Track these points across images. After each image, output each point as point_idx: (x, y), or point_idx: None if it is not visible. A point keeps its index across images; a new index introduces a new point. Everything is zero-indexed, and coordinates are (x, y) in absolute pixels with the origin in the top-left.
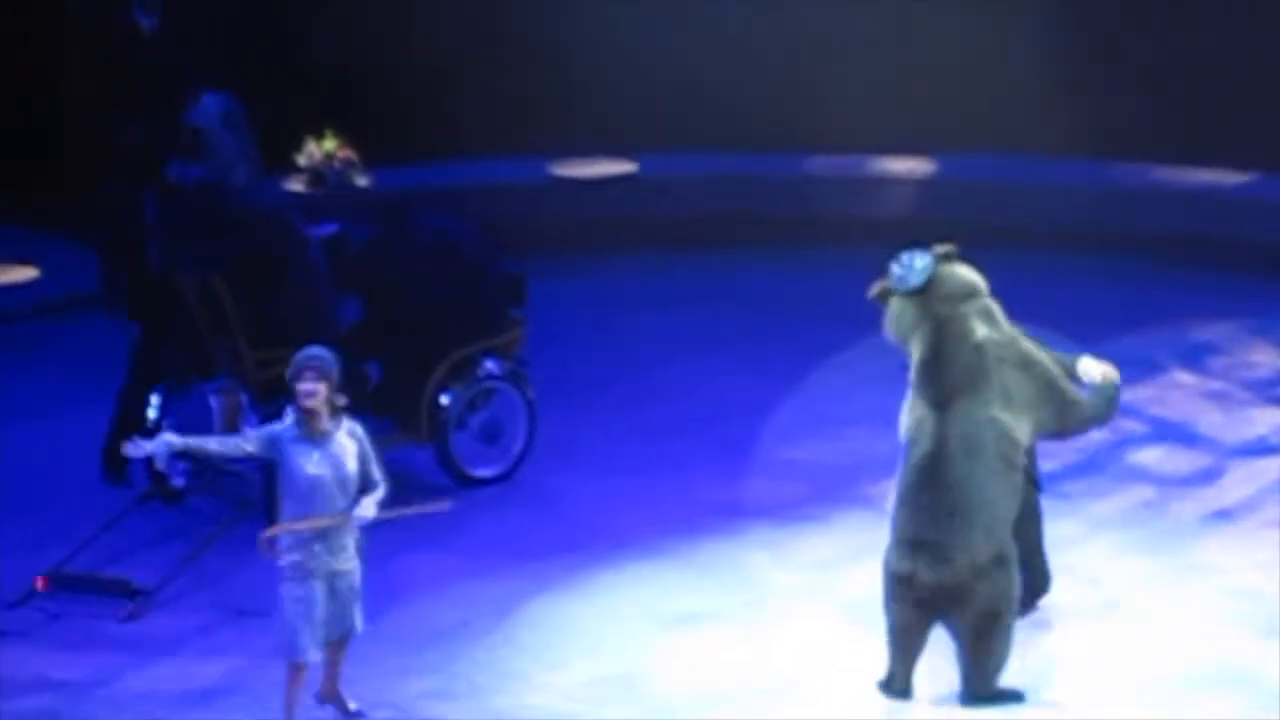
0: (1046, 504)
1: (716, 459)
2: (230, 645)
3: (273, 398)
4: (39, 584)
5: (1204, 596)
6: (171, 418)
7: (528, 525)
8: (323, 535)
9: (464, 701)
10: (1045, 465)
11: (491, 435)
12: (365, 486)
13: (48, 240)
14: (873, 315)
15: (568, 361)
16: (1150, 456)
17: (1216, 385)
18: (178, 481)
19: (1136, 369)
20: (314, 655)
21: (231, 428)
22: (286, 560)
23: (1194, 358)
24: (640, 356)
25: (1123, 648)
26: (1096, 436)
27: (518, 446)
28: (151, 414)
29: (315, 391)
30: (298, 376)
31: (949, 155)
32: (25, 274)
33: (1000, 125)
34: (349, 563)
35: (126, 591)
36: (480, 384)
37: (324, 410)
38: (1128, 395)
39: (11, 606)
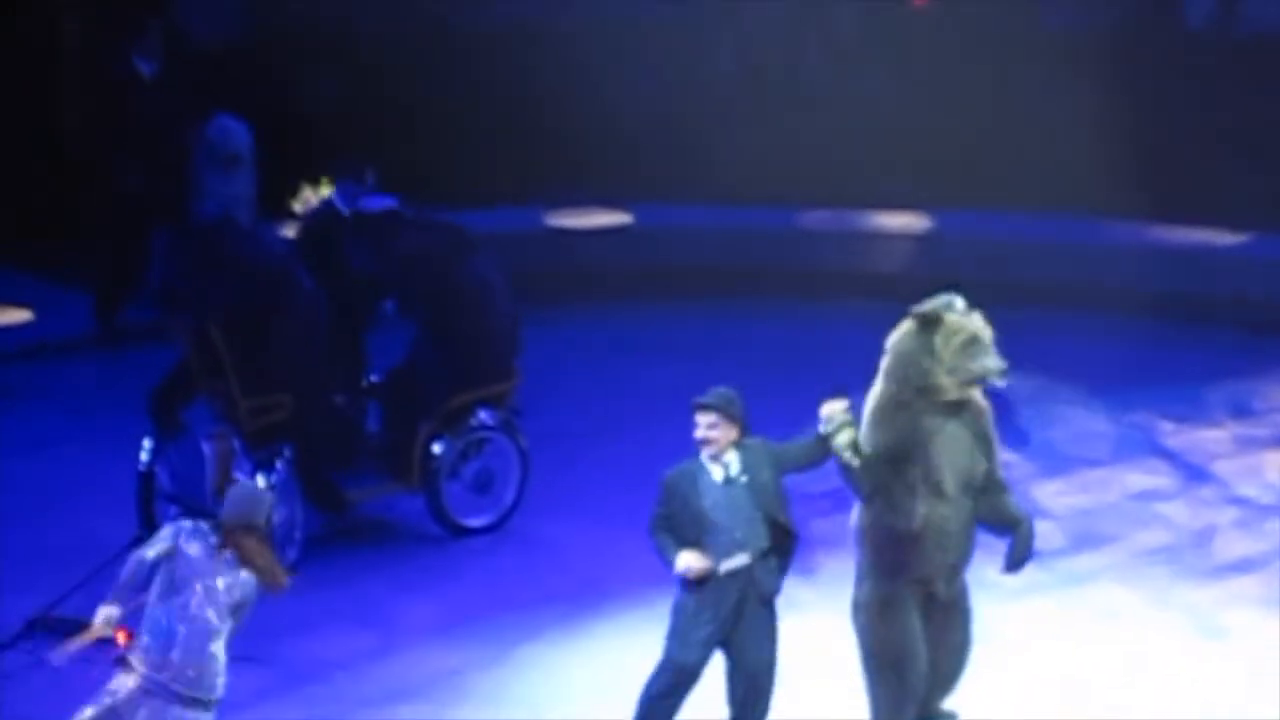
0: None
1: None
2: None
3: (265, 444)
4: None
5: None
6: (164, 462)
7: (520, 574)
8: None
9: None
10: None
11: (484, 485)
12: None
13: (42, 283)
14: (868, 369)
15: (561, 411)
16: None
17: (1222, 435)
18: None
19: (1133, 425)
20: None
21: (225, 472)
22: None
23: (1197, 411)
24: (634, 407)
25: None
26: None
27: (510, 496)
28: (144, 458)
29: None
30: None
31: (945, 211)
32: (19, 316)
33: (997, 183)
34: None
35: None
36: (473, 433)
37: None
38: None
39: (1, 648)
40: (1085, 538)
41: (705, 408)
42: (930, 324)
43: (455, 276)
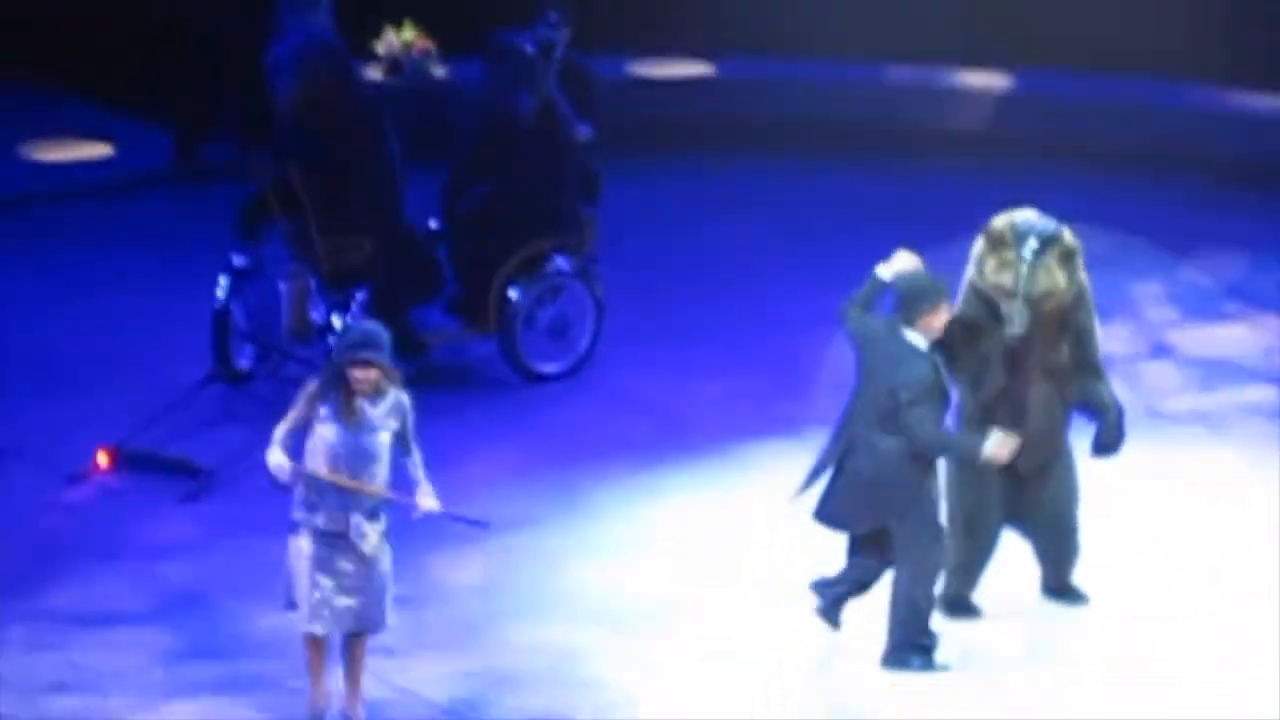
0: None
1: (787, 365)
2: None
3: (341, 284)
4: (101, 458)
5: None
6: (239, 301)
7: (592, 421)
8: (343, 504)
9: (521, 594)
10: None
11: (558, 332)
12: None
13: (122, 118)
14: (943, 225)
15: (638, 262)
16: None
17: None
18: (243, 363)
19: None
20: (319, 628)
21: (301, 313)
22: (297, 514)
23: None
24: (712, 259)
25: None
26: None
27: (584, 344)
28: (220, 295)
29: (366, 379)
30: (351, 362)
31: (1026, 70)
32: (100, 151)
33: (1079, 43)
34: (371, 549)
35: (188, 471)
36: (549, 280)
37: (369, 393)
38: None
39: (73, 480)
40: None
41: None
42: (994, 243)
43: (528, 126)
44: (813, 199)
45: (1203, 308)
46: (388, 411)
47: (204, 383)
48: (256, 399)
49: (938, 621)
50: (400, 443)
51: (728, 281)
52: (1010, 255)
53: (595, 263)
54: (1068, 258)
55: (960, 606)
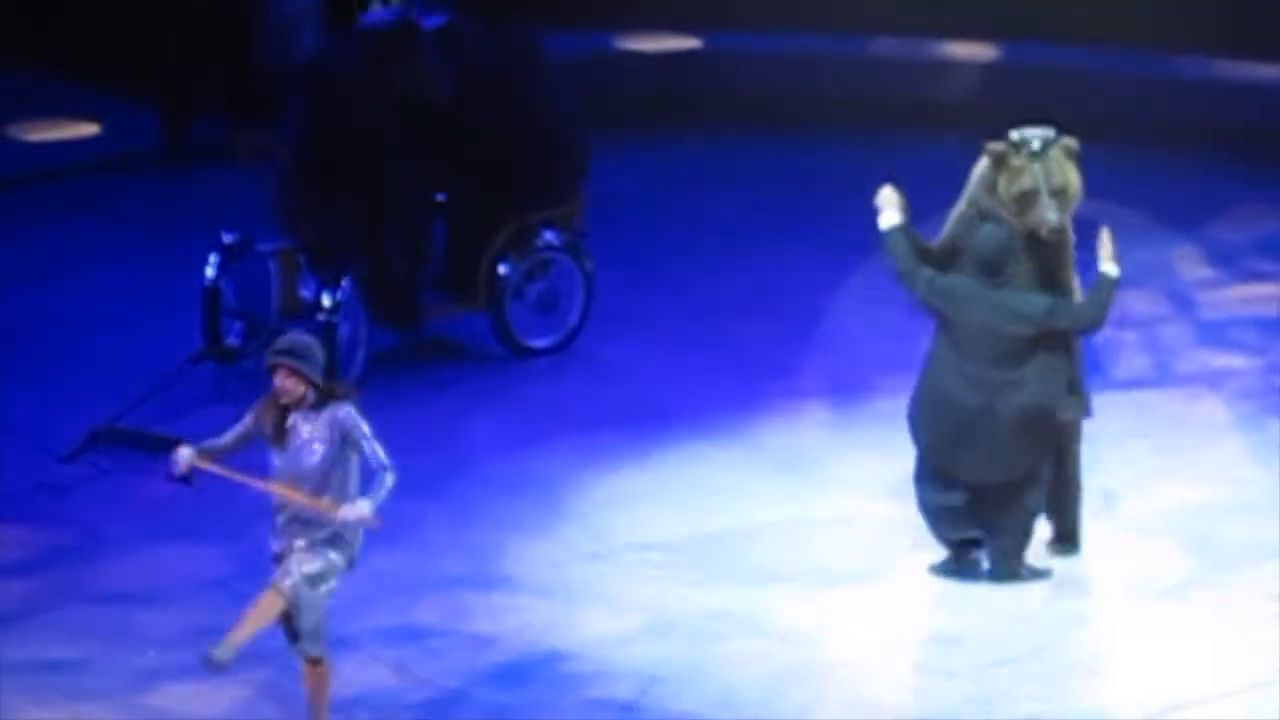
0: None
1: (773, 336)
2: None
3: (331, 261)
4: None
5: None
6: (229, 278)
7: (581, 396)
8: (286, 528)
9: (509, 566)
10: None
11: (548, 306)
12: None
13: (110, 98)
14: (931, 195)
15: (627, 236)
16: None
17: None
18: (232, 341)
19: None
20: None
21: (290, 290)
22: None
23: (1262, 250)
24: (700, 233)
25: None
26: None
27: (573, 318)
28: (210, 273)
29: (285, 388)
30: (273, 366)
31: (1013, 41)
32: (87, 130)
33: (1065, 14)
34: (298, 579)
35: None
36: (539, 254)
37: (296, 405)
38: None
39: (63, 460)
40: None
41: None
42: (997, 162)
43: (516, 92)
44: (801, 172)
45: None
46: (324, 427)
47: (193, 360)
48: (246, 376)
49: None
50: (358, 455)
51: (718, 254)
52: (1019, 162)
53: (584, 237)
54: (1073, 156)
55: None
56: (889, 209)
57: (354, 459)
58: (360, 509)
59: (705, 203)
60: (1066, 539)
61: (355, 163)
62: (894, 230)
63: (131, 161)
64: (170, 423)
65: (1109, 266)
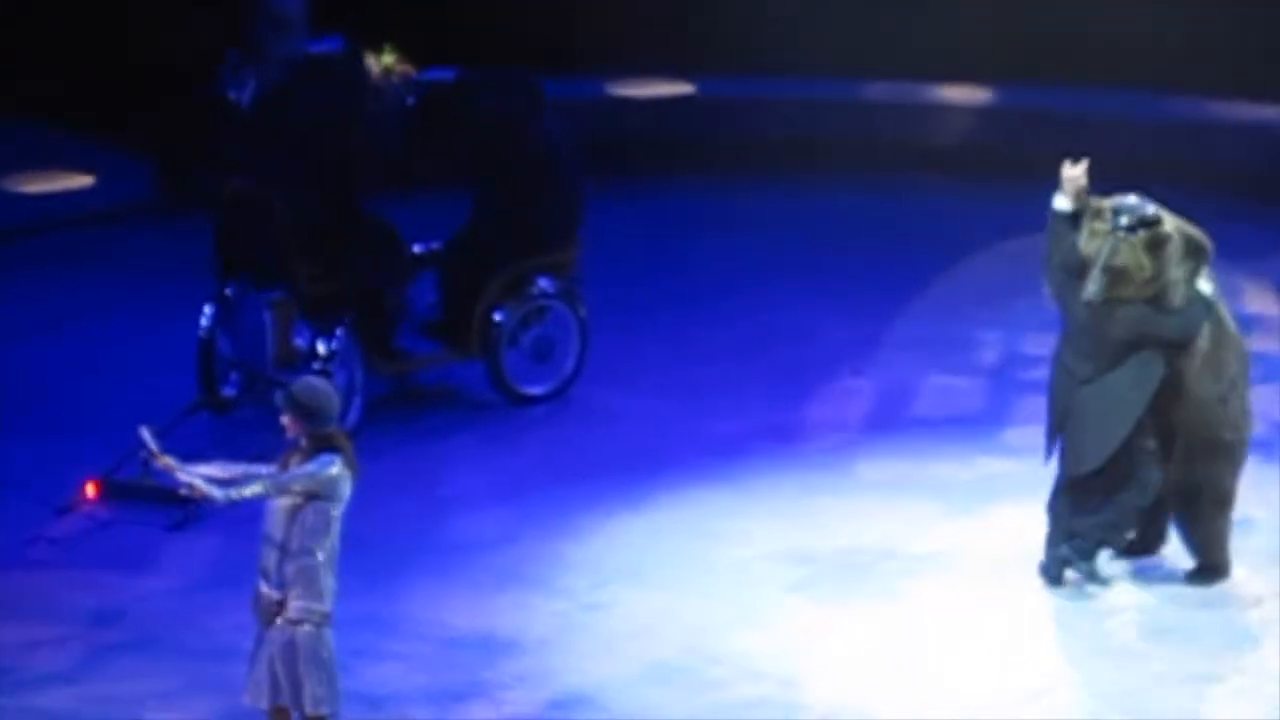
0: None
1: (770, 382)
2: None
3: (325, 310)
4: (89, 490)
5: None
6: (225, 329)
7: (578, 443)
8: (264, 573)
9: (508, 615)
10: None
11: (543, 353)
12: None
13: (104, 149)
14: (926, 239)
15: (622, 282)
16: None
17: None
18: (228, 391)
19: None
20: (246, 698)
21: (285, 340)
22: None
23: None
24: (695, 278)
25: None
26: None
27: (569, 365)
28: (205, 323)
29: (288, 426)
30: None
31: (1007, 84)
32: (81, 181)
33: (1060, 57)
34: (294, 614)
35: (174, 501)
36: (534, 301)
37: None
38: None
39: (60, 513)
40: None
41: None
42: (1092, 215)
43: (524, 139)
44: (795, 216)
45: None
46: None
47: (190, 411)
48: (242, 427)
49: None
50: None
51: (712, 300)
52: (1101, 226)
53: (579, 284)
54: (1156, 245)
55: None
56: (1064, 193)
57: (327, 524)
58: (202, 483)
59: (700, 248)
60: (1207, 570)
61: (350, 218)
62: (1057, 216)
63: (127, 212)
64: (166, 473)
65: (1203, 285)
